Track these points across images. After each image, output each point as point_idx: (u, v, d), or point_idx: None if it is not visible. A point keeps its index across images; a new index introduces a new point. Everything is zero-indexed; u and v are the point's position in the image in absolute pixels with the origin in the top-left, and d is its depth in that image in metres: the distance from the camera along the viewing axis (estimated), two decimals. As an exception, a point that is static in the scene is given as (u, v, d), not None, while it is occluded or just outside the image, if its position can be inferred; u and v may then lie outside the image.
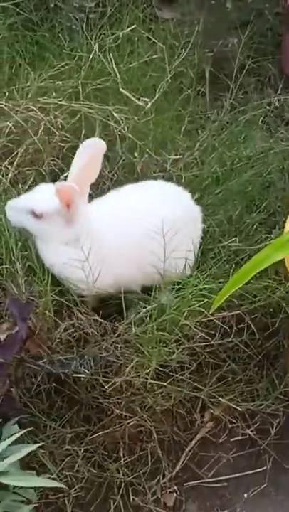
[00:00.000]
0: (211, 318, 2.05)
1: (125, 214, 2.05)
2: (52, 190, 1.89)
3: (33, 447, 1.33)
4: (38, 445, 1.37)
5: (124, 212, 2.05)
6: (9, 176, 2.22)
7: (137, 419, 2.05)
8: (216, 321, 2.08)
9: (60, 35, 2.52)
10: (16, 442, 1.58)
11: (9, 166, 2.20)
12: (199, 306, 1.98)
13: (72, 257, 1.93)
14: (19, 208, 1.95)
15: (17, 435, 1.29)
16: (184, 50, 2.45)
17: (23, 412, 1.96)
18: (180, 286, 2.02)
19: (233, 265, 2.20)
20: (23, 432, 1.34)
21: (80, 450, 2.01)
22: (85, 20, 2.77)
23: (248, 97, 2.84)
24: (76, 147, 2.20)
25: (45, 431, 2.03)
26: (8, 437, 1.50)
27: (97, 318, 2.01)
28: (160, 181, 2.20)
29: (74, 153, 2.21)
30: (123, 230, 2.03)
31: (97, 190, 2.20)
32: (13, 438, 1.29)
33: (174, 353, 2.00)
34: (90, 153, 1.94)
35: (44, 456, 1.96)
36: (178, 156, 2.34)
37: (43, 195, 1.95)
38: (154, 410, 2.07)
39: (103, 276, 1.97)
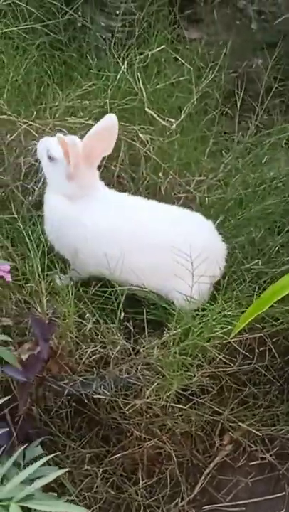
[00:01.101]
0: (233, 342, 2.05)
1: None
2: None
3: (59, 472, 1.32)
4: (64, 470, 1.36)
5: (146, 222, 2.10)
6: (35, 194, 2.24)
7: (156, 442, 2.04)
8: (237, 345, 2.07)
9: (87, 55, 2.54)
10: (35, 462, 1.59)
11: (35, 187, 2.22)
12: (222, 332, 1.97)
13: (64, 214, 2.07)
14: (44, 144, 2.10)
15: (44, 459, 1.29)
16: (210, 72, 2.44)
17: (44, 432, 1.97)
18: (203, 312, 2.01)
19: (256, 288, 2.19)
20: (49, 456, 1.33)
21: (99, 471, 2.01)
22: (111, 39, 2.80)
23: (272, 118, 2.83)
24: (100, 166, 2.22)
25: (64, 450, 2.03)
26: (33, 459, 1.51)
27: (119, 339, 2.01)
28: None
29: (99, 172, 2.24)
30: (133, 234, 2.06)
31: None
32: (41, 462, 1.29)
33: (194, 376, 2.00)
34: (104, 124, 2.03)
35: (64, 477, 1.95)
36: (202, 178, 2.34)
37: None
38: (173, 432, 2.07)
39: (84, 257, 2.09)
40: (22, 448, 1.48)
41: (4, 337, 1.61)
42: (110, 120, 2.03)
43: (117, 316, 1.99)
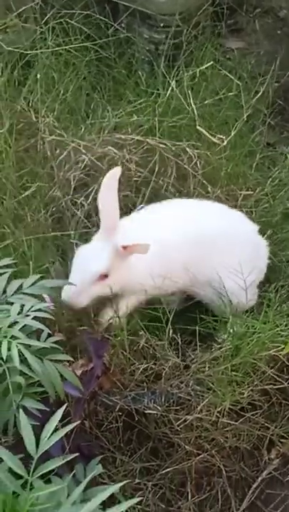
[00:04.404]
0: (282, 356, 2.05)
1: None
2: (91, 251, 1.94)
3: (113, 489, 1.34)
4: (118, 485, 1.38)
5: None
6: (85, 208, 2.27)
7: (206, 456, 2.06)
8: (287, 360, 2.08)
9: (136, 71, 2.55)
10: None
11: (84, 202, 2.25)
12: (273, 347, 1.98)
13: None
14: (85, 284, 1.92)
15: (112, 489, 1.31)
16: (260, 87, 2.44)
17: (95, 445, 2.00)
18: (255, 330, 2.01)
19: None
20: (122, 484, 1.35)
21: (149, 484, 2.03)
22: (155, 51, 2.82)
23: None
24: (149, 182, 2.24)
25: (114, 463, 2.05)
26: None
27: (171, 356, 2.03)
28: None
29: (147, 188, 2.26)
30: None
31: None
32: (117, 486, 1.31)
33: (245, 391, 2.01)
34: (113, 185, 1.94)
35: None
36: (249, 192, 2.35)
37: (94, 259, 1.95)
38: (222, 447, 2.08)
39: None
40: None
41: (65, 356, 1.64)
42: (110, 179, 1.93)
43: (166, 333, 2.01)
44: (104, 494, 1.31)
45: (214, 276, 2.10)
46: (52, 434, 1.42)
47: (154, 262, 2.03)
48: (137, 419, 2.06)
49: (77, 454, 1.45)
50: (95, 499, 1.33)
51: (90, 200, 2.27)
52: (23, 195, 2.28)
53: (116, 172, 1.92)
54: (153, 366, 2.02)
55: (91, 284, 1.92)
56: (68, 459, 1.39)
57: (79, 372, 1.91)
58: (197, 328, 2.04)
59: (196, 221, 2.11)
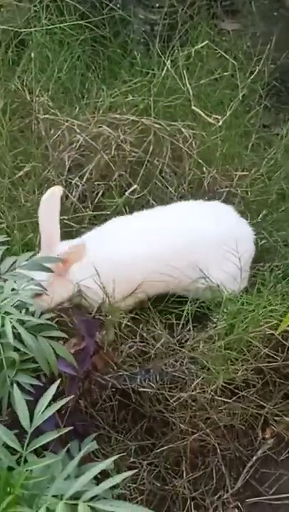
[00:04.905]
0: (277, 335, 2.06)
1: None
2: None
3: (107, 463, 1.35)
4: (112, 459, 1.38)
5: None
6: (79, 189, 2.26)
7: (201, 435, 2.06)
8: (281, 338, 2.08)
9: (131, 50, 2.54)
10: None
11: (78, 182, 2.24)
12: (268, 327, 1.99)
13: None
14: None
15: (106, 464, 1.31)
16: (256, 66, 2.43)
17: (90, 424, 2.00)
18: (250, 307, 2.02)
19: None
20: (116, 457, 1.36)
21: (144, 463, 2.04)
22: (151, 31, 2.80)
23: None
24: (144, 162, 2.23)
25: (109, 442, 2.06)
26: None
27: (164, 334, 2.03)
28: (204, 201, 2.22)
29: (142, 168, 2.25)
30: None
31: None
32: (111, 460, 1.32)
33: (239, 370, 2.01)
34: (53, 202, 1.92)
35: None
36: (245, 173, 2.34)
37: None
38: (216, 425, 2.09)
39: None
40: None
41: (58, 333, 1.64)
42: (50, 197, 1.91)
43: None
44: (97, 468, 1.31)
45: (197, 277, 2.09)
46: (46, 409, 1.42)
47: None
48: (131, 397, 2.06)
49: (71, 428, 1.45)
50: (88, 473, 1.34)
51: (84, 180, 2.26)
52: (17, 176, 2.27)
53: (56, 190, 1.91)
54: (146, 345, 2.02)
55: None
56: (62, 432, 1.40)
57: (72, 351, 1.92)
58: (190, 306, 2.03)
59: (166, 235, 2.10)
